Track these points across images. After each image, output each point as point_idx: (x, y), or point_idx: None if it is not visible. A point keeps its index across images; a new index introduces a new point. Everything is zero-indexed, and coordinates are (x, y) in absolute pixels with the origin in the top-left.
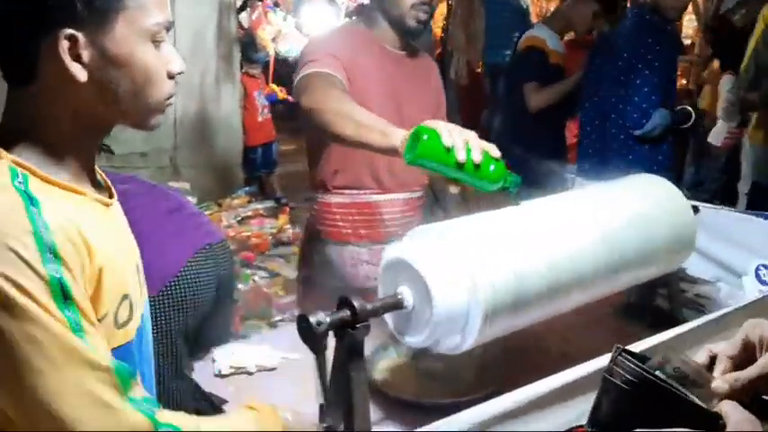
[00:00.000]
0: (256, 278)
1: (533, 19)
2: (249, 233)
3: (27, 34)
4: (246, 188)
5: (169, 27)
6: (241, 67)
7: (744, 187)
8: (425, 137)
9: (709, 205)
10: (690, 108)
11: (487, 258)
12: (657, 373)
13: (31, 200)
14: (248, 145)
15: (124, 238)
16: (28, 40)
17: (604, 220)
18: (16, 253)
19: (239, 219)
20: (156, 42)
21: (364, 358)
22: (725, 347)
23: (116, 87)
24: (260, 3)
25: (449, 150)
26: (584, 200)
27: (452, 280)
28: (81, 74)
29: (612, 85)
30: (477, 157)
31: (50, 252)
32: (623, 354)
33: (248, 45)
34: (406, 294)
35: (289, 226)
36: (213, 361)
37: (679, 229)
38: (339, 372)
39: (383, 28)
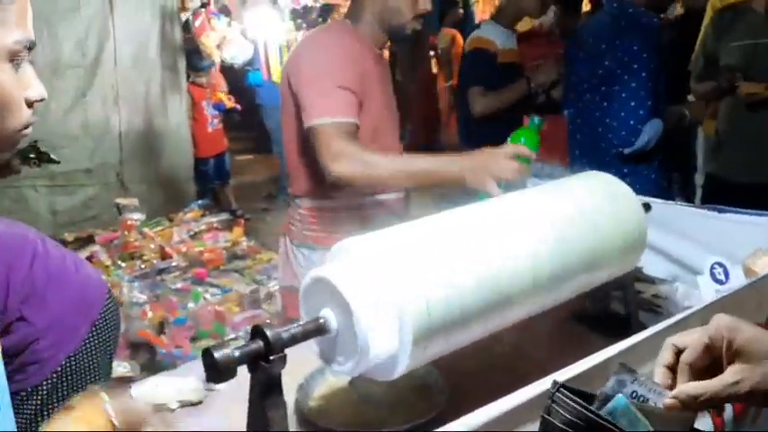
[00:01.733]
0: (208, 296)
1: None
2: (202, 248)
3: None
4: (199, 201)
5: (31, 47)
6: (188, 77)
7: (700, 179)
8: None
9: (660, 200)
10: (684, 109)
11: (418, 273)
12: (602, 411)
13: None
14: (199, 157)
15: None
16: None
17: (547, 224)
18: None
19: (192, 233)
20: (14, 63)
21: (282, 394)
22: (686, 353)
23: None
24: (203, 9)
25: None
26: (525, 203)
27: (378, 299)
28: None
29: (594, 95)
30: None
31: None
32: (562, 390)
33: (193, 53)
34: (329, 318)
35: (244, 238)
36: (130, 398)
37: (629, 230)
38: (256, 410)
39: (370, 28)
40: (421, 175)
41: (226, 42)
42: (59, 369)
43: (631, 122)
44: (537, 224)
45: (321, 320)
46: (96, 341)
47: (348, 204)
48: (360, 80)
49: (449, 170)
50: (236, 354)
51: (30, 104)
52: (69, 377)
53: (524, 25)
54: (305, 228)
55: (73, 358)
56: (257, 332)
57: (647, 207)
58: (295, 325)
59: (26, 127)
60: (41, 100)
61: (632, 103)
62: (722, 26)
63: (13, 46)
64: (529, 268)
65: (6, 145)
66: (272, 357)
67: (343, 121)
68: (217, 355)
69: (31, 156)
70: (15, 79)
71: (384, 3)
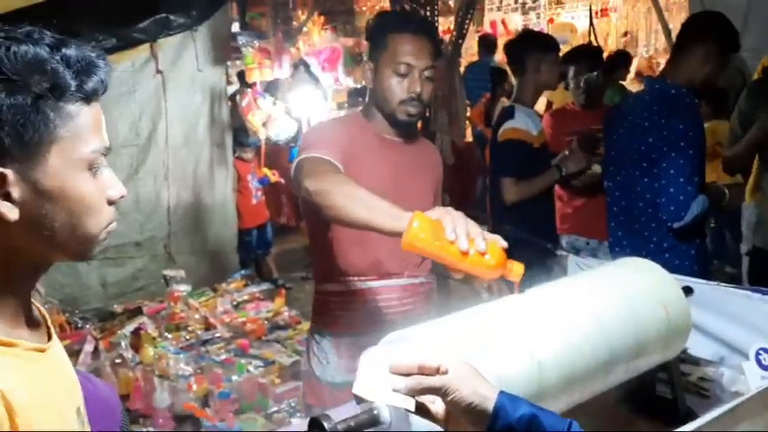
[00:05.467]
0: (251, 368)
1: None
2: (244, 318)
3: None
4: (242, 271)
5: (106, 152)
6: (234, 152)
7: (744, 248)
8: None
9: (703, 281)
10: (722, 186)
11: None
12: None
13: None
14: (243, 228)
15: (62, 382)
16: None
17: (591, 316)
18: None
19: (235, 303)
20: (93, 169)
21: None
22: None
23: (51, 222)
24: (249, 90)
25: (452, 242)
26: (567, 295)
27: None
28: (12, 213)
29: (635, 170)
30: (480, 245)
31: None
32: None
33: (239, 130)
34: (382, 408)
35: (285, 308)
36: None
37: (672, 318)
38: None
39: (379, 120)
40: (375, 213)
41: (271, 120)
42: None
43: (681, 198)
44: (580, 317)
45: (374, 411)
46: None
47: (355, 288)
48: (348, 154)
49: (403, 219)
50: None
51: (111, 203)
52: None
53: (558, 101)
54: (317, 313)
55: None
56: (313, 424)
57: (688, 290)
58: (350, 417)
59: (110, 224)
60: (122, 197)
61: (681, 179)
62: (762, 91)
63: (89, 155)
64: (571, 362)
65: (93, 244)
66: None
67: (324, 157)
68: None
69: None
70: (95, 184)
71: (376, 92)
